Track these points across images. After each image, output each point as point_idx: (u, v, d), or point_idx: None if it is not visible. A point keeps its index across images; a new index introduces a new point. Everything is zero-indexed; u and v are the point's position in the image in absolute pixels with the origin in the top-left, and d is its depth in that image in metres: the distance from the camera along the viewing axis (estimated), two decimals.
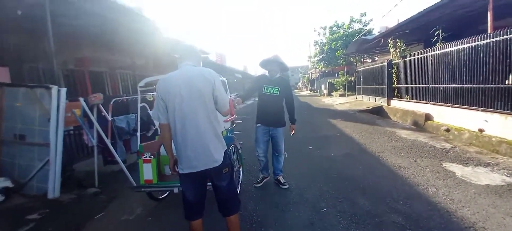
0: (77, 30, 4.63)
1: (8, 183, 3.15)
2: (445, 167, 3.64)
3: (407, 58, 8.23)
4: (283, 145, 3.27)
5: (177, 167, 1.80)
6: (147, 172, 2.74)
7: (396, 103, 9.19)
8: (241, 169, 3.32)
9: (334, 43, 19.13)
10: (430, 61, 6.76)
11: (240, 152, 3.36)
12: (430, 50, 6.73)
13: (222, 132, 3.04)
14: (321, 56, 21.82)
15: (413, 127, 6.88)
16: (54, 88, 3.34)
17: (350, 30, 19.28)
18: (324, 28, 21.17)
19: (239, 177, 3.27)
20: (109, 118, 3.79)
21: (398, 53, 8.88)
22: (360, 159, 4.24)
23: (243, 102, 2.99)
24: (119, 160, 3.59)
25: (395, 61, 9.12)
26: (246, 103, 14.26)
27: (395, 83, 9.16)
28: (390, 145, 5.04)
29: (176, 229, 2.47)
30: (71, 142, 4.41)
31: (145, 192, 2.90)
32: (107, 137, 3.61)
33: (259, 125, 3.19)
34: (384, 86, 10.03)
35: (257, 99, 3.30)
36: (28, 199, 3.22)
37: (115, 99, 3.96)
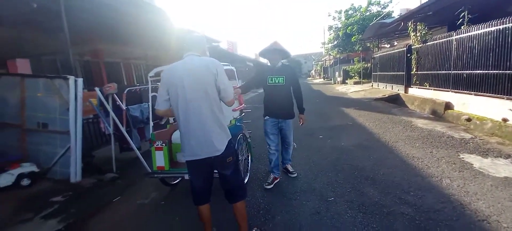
0: (92, 23, 4.76)
1: (34, 168, 3.40)
2: (463, 158, 3.49)
3: (428, 43, 7.76)
4: (292, 136, 3.19)
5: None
6: (159, 159, 2.85)
7: (414, 91, 8.79)
8: (250, 158, 3.37)
9: (349, 28, 18.32)
10: (453, 45, 6.34)
11: (249, 140, 3.41)
12: (454, 34, 6.30)
13: (230, 121, 3.10)
14: (335, 42, 21.00)
15: (431, 116, 6.59)
16: (71, 79, 3.50)
17: (368, 13, 18.34)
18: (339, 12, 20.28)
19: (248, 165, 3.32)
20: (124, 107, 3.94)
21: (419, 37, 8.37)
22: (372, 149, 4.15)
23: (241, 94, 2.83)
24: (134, 147, 3.75)
25: (415, 46, 8.63)
26: (251, 94, 14.11)
27: (414, 69, 8.71)
28: (404, 134, 4.88)
29: (187, 212, 2.58)
30: (90, 130, 4.66)
31: (158, 178, 3.03)
32: (122, 125, 3.77)
33: (267, 117, 3.05)
34: (402, 73, 9.59)
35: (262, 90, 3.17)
36: (52, 183, 3.47)
37: (128, 89, 4.08)
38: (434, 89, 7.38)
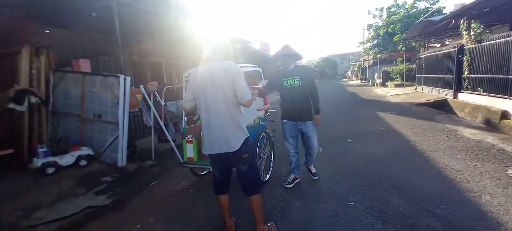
0: (139, 27, 5.37)
1: (90, 151, 4.02)
2: (511, 174, 3.09)
3: (483, 43, 6.89)
4: (316, 139, 3.02)
5: None
6: (189, 150, 3.15)
7: (465, 96, 7.89)
8: (272, 156, 3.48)
9: (392, 26, 17.04)
10: None
11: (272, 139, 3.52)
12: None
13: (254, 120, 3.25)
14: (375, 42, 19.73)
15: (482, 125, 5.87)
16: (121, 77, 4.03)
17: (414, 10, 16.85)
18: (381, 10, 19.01)
19: (270, 163, 3.44)
20: (162, 103, 4.38)
21: (473, 36, 7.48)
22: (404, 158, 3.91)
23: (258, 96, 2.81)
24: (170, 139, 4.17)
25: (468, 47, 7.73)
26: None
27: (466, 72, 7.81)
28: (446, 144, 4.46)
29: (210, 200, 2.80)
30: (135, 122, 5.27)
31: (188, 168, 3.34)
32: (161, 119, 4.21)
33: (285, 120, 3.00)
34: (451, 76, 8.68)
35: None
36: (103, 165, 4.05)
37: (167, 87, 4.52)
38: (489, 96, 6.55)
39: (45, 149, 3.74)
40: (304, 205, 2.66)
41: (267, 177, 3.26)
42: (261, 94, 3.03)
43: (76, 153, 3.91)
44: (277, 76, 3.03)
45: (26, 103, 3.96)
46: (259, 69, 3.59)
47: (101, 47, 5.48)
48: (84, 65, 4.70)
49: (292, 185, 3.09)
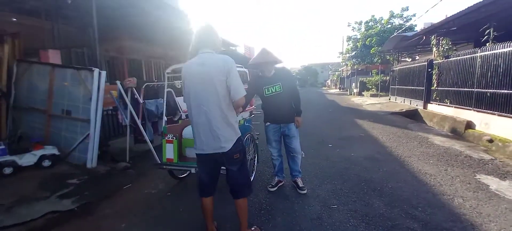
0: (119, 21, 5.08)
1: (55, 151, 3.65)
2: (479, 179, 3.31)
3: (451, 59, 7.47)
4: (299, 143, 2.96)
5: None
6: (169, 151, 2.97)
7: (433, 107, 8.45)
8: (256, 158, 3.41)
9: (369, 39, 18.02)
10: (477, 62, 6.07)
11: (256, 142, 3.46)
12: (478, 51, 6.04)
13: (239, 121, 3.17)
14: (353, 53, 20.72)
15: (450, 134, 6.30)
16: (96, 71, 3.75)
17: (389, 25, 17.98)
18: (360, 23, 20.04)
19: (254, 166, 3.37)
20: (141, 101, 4.14)
21: (441, 52, 8.10)
22: (383, 162, 4.04)
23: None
24: (148, 140, 3.92)
25: (437, 61, 8.34)
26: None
27: (435, 85, 8.40)
28: (419, 150, 4.71)
29: (190, 204, 2.66)
30: (109, 121, 4.92)
31: (166, 170, 3.15)
32: (138, 118, 3.96)
33: (268, 123, 2.95)
34: (421, 88, 9.28)
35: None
36: (70, 166, 3.70)
37: (146, 84, 4.29)
38: (455, 107, 7.07)
39: (2, 147, 3.34)
40: (288, 208, 2.61)
41: (250, 178, 3.17)
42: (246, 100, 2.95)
43: (39, 152, 3.53)
44: (257, 83, 2.90)
45: None
46: (245, 70, 3.54)
47: (74, 39, 5.09)
48: (54, 56, 4.31)
49: (276, 188, 3.03)
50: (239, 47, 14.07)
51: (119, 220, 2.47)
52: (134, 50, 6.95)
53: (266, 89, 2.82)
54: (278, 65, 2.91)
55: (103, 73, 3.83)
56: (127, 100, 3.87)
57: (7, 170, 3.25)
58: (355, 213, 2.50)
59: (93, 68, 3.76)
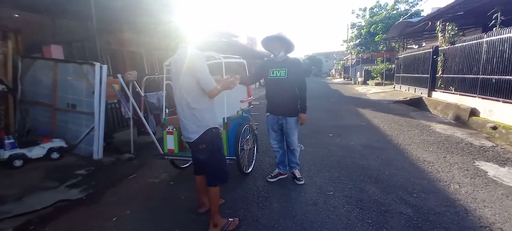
0: (118, 14, 5.11)
1: (62, 144, 3.79)
2: (477, 165, 3.33)
3: (456, 45, 7.31)
4: (296, 136, 2.87)
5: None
6: (170, 142, 3.06)
7: (438, 95, 8.35)
8: (255, 149, 3.48)
9: (373, 26, 17.59)
10: (483, 48, 5.94)
11: (255, 132, 3.52)
12: (484, 36, 5.90)
13: (237, 112, 3.22)
14: (358, 41, 20.32)
15: (453, 122, 6.25)
16: (97, 65, 3.82)
17: (394, 11, 17.51)
18: (364, 10, 19.57)
19: (253, 156, 3.44)
20: (142, 94, 4.22)
21: (447, 38, 7.92)
22: (381, 150, 4.07)
23: (248, 86, 2.88)
24: (150, 132, 4.03)
25: (442, 48, 8.17)
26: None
27: (440, 72, 8.26)
28: (419, 138, 4.71)
29: (191, 193, 2.76)
30: (113, 113, 5.04)
31: (168, 160, 3.25)
32: (140, 110, 4.05)
33: (268, 114, 2.91)
34: (426, 75, 9.14)
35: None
36: (77, 158, 3.85)
37: (147, 77, 4.35)
38: (459, 94, 6.97)
39: (12, 140, 3.48)
40: (285, 195, 2.69)
41: (250, 169, 3.26)
42: (245, 81, 2.93)
43: (47, 145, 3.68)
44: (265, 65, 2.88)
45: None
46: (243, 61, 3.56)
47: (75, 33, 5.16)
48: (56, 51, 4.40)
49: (275, 179, 3.02)
50: (241, 37, 13.98)
51: (124, 208, 2.60)
52: (135, 43, 7.00)
53: (271, 72, 2.75)
54: (291, 55, 2.85)
55: (105, 67, 3.91)
56: (129, 93, 3.96)
57: (18, 163, 3.41)
58: (350, 199, 2.57)
59: (95, 63, 3.83)
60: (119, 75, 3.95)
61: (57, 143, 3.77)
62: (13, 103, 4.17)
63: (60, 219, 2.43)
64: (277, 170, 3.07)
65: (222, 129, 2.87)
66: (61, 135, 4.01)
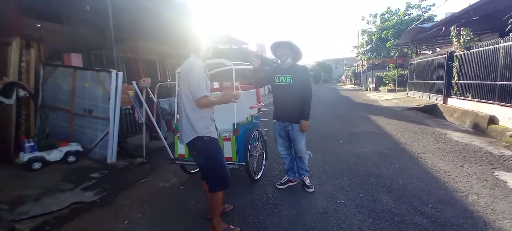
0: (134, 23, 5.32)
1: (78, 147, 3.93)
2: (497, 175, 3.17)
3: (472, 50, 7.09)
4: (304, 143, 2.81)
5: None
6: (181, 147, 3.12)
7: (454, 102, 8.07)
8: (264, 155, 3.48)
9: (384, 32, 17.35)
10: (500, 54, 5.73)
11: (265, 138, 3.52)
12: (501, 41, 5.70)
13: (247, 117, 3.25)
14: (368, 47, 20.06)
15: (470, 130, 6.01)
16: (113, 72, 3.97)
17: (406, 17, 17.21)
18: (375, 16, 19.34)
19: (262, 162, 3.44)
20: (155, 100, 4.33)
21: (462, 43, 7.70)
22: (394, 158, 3.96)
23: (258, 88, 2.94)
24: (162, 137, 4.12)
25: (457, 53, 7.94)
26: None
27: (455, 78, 8.01)
28: (435, 146, 4.55)
29: (200, 198, 2.78)
30: (126, 119, 5.19)
31: (179, 164, 3.30)
32: (153, 116, 4.16)
33: (274, 120, 2.90)
34: (441, 82, 8.88)
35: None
36: (92, 161, 3.97)
37: (160, 83, 4.48)
38: (477, 101, 6.72)
39: (32, 144, 3.64)
40: (294, 203, 2.67)
41: (259, 175, 3.26)
42: (256, 83, 3.01)
43: (65, 149, 3.82)
44: (273, 70, 2.91)
45: (14, 97, 3.86)
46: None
47: (93, 42, 5.40)
48: (76, 59, 4.61)
49: (284, 186, 2.99)
50: (251, 44, 14.14)
51: (135, 211, 2.65)
52: (149, 51, 7.23)
53: (277, 77, 2.79)
54: (299, 63, 2.87)
55: (120, 74, 4.05)
56: (143, 99, 4.08)
57: (36, 165, 3.55)
58: (362, 208, 2.51)
59: (111, 70, 3.99)
60: (133, 82, 4.08)
61: (74, 146, 3.91)
62: (34, 108, 4.37)
63: (75, 220, 2.51)
64: (286, 177, 3.04)
65: (231, 135, 2.90)
66: (77, 139, 4.16)
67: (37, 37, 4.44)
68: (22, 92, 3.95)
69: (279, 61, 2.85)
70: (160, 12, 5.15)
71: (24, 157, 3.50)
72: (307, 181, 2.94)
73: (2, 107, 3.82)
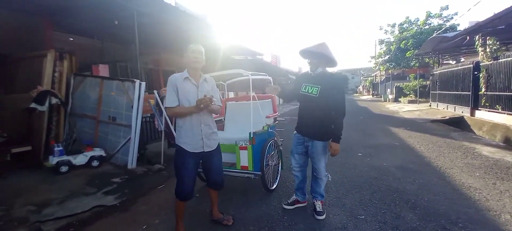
0: (155, 37, 5.61)
1: (102, 153, 4.12)
2: None
3: (500, 60, 6.71)
4: (324, 164, 2.48)
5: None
6: None
7: (482, 114, 7.60)
8: (280, 165, 3.44)
9: (403, 42, 16.89)
10: None
11: (280, 148, 3.49)
12: None
13: (263, 127, 3.25)
14: (387, 57, 19.56)
15: (502, 144, 5.60)
16: (137, 82, 4.18)
17: (427, 27, 16.70)
18: (393, 26, 18.96)
19: (278, 172, 3.40)
20: None
21: (489, 53, 7.31)
22: (418, 173, 3.76)
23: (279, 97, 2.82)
24: None
25: (484, 63, 7.55)
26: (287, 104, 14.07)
27: (483, 90, 7.57)
28: (463, 161, 4.27)
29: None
30: (146, 126, 5.39)
31: None
32: (171, 124, 4.28)
33: (295, 132, 2.63)
34: (467, 93, 8.43)
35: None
36: (114, 166, 4.13)
37: None
38: (507, 114, 6.29)
39: (60, 148, 3.87)
40: (311, 215, 2.59)
41: (275, 186, 3.22)
42: (285, 98, 2.85)
43: (89, 154, 4.02)
44: (300, 78, 2.62)
45: (47, 104, 4.15)
46: (269, 78, 3.63)
47: (119, 55, 5.75)
48: (103, 70, 4.92)
49: (291, 207, 2.69)
50: (265, 55, 14.31)
51: (153, 217, 2.70)
52: (168, 62, 7.55)
53: (303, 86, 2.49)
54: (331, 70, 2.58)
55: (143, 84, 4.25)
56: (163, 107, 4.23)
57: (64, 168, 3.76)
58: (384, 225, 2.38)
59: (135, 80, 4.19)
60: (155, 91, 4.26)
61: (98, 152, 4.11)
62: (63, 115, 4.67)
63: (95, 224, 2.60)
64: (294, 197, 2.73)
65: (248, 144, 2.91)
66: (101, 144, 4.37)
67: (70, 49, 4.80)
68: (54, 100, 4.25)
69: (309, 71, 2.53)
70: (179, 26, 5.40)
71: (53, 160, 3.72)
72: (318, 206, 2.56)
73: (35, 114, 4.12)
